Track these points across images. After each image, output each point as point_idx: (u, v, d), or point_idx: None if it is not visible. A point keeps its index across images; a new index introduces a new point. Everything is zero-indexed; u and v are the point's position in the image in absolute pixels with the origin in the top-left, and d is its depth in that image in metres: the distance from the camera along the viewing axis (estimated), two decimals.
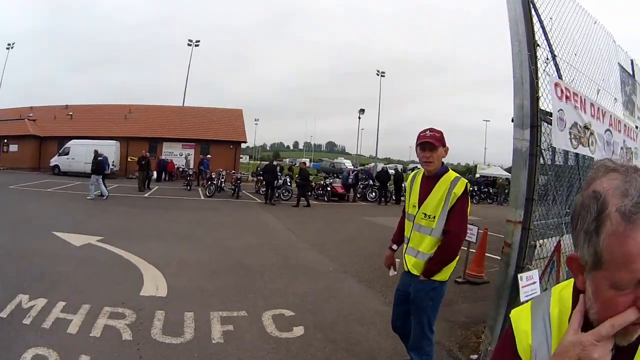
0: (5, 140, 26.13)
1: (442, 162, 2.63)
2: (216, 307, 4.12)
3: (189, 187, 18.65)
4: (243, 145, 34.77)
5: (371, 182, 20.03)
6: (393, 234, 3.04)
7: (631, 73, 5.79)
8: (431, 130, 2.61)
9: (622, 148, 4.64)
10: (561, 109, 3.34)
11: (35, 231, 7.35)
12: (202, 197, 16.17)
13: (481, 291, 5.39)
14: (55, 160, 24.25)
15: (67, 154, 23.57)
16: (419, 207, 2.63)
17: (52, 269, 5.08)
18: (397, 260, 2.76)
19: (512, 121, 3.18)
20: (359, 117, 39.46)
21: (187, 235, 8.00)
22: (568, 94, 3.45)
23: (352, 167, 28.71)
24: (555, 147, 3.38)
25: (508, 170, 47.10)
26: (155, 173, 20.33)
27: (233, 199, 15.95)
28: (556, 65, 3.57)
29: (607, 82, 4.70)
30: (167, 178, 23.85)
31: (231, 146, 29.74)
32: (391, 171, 19.87)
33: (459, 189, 2.51)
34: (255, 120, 67.64)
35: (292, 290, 4.89)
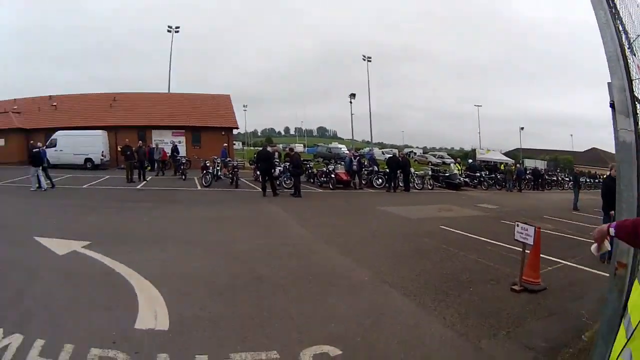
0: None
1: None
2: (236, 346, 3.10)
3: (183, 177, 17.54)
4: (234, 132, 33.38)
5: (375, 168, 19.05)
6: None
7: None
8: None
9: None
10: None
11: (14, 236, 6.31)
12: (199, 188, 15.02)
13: (544, 301, 4.51)
14: None
15: (54, 145, 22.18)
16: None
17: (30, 287, 4.12)
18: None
19: (611, 106, 2.60)
20: (350, 102, 38.01)
21: (186, 237, 6.86)
22: None
23: (349, 152, 27.53)
24: None
25: (506, 154, 46.82)
26: (148, 162, 18.85)
27: (232, 188, 14.81)
28: (629, 41, 3.03)
29: None
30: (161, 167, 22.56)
31: (223, 132, 28.38)
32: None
33: None
34: (244, 106, 64.48)
35: (328, 313, 3.85)
